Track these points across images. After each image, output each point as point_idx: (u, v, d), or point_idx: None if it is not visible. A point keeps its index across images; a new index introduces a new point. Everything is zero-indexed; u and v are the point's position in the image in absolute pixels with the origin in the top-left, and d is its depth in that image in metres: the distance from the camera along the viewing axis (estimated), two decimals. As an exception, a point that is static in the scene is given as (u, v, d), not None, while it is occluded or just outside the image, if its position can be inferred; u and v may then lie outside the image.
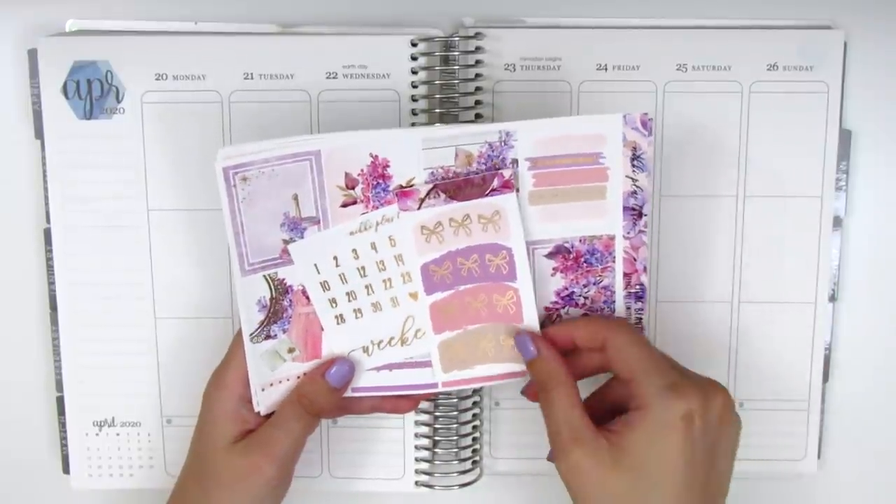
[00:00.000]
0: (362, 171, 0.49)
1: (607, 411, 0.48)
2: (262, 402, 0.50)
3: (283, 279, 0.50)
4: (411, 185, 0.49)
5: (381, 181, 0.49)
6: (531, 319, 0.50)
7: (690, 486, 0.44)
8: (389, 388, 0.51)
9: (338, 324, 0.50)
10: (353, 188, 0.49)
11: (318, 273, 0.49)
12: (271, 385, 0.50)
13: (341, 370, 0.50)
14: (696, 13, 0.55)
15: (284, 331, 0.50)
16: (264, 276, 0.50)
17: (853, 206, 0.57)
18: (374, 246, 0.49)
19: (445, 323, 0.50)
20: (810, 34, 0.54)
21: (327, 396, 0.49)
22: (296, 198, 0.49)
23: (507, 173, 0.48)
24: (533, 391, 0.50)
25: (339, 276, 0.49)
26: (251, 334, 0.50)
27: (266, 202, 0.49)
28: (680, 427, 0.44)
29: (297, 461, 0.51)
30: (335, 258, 0.49)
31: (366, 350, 0.50)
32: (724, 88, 0.55)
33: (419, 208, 0.49)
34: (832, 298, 0.57)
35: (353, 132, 0.49)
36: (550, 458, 0.48)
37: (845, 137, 0.56)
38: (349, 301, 0.50)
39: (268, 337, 0.50)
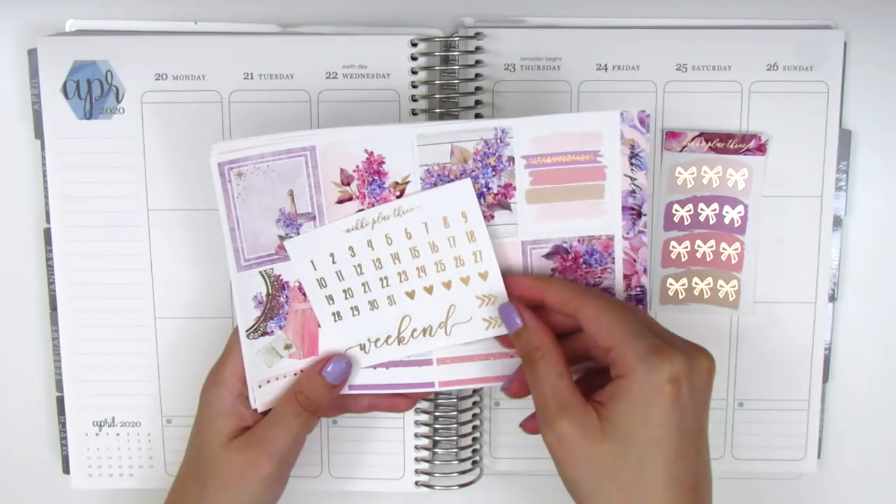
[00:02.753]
0: (357, 167, 0.49)
1: (594, 382, 0.46)
2: (259, 399, 0.50)
3: (280, 275, 0.50)
4: (406, 183, 0.49)
5: (376, 178, 0.49)
6: (496, 283, 0.49)
7: (683, 452, 0.43)
8: (386, 387, 0.51)
9: (335, 321, 0.50)
10: (348, 184, 0.49)
11: (315, 269, 0.49)
12: (268, 382, 0.50)
13: (338, 367, 0.50)
14: (696, 13, 0.55)
15: (281, 327, 0.50)
16: (260, 272, 0.50)
17: (853, 206, 0.57)
18: (370, 244, 0.49)
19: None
20: (810, 34, 0.54)
21: (324, 393, 0.50)
22: (291, 194, 0.49)
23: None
24: (519, 385, 0.49)
25: (336, 273, 0.49)
26: (247, 330, 0.50)
27: (261, 198, 0.49)
28: (667, 391, 0.42)
29: (295, 459, 0.51)
30: (331, 255, 0.49)
31: (363, 348, 0.50)
32: (724, 88, 0.55)
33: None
34: (832, 298, 0.57)
35: (348, 128, 0.49)
36: (530, 429, 0.48)
37: (845, 137, 0.56)
38: (346, 298, 0.50)
39: (264, 333, 0.50)
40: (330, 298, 0.50)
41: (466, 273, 0.49)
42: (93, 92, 0.55)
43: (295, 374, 0.51)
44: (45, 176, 0.56)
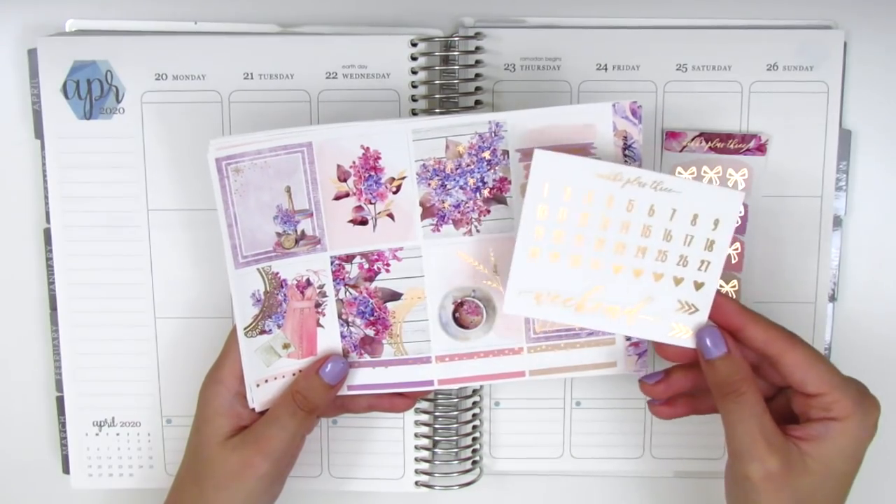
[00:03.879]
0: (354, 163, 0.49)
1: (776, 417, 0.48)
2: (257, 398, 0.50)
3: (277, 273, 0.50)
4: (403, 178, 0.49)
5: (373, 173, 0.49)
6: (706, 300, 0.47)
7: (856, 474, 0.47)
8: (385, 386, 0.51)
9: (529, 256, 0.46)
10: (345, 180, 0.49)
11: (545, 193, 0.46)
12: (266, 381, 0.50)
13: (336, 367, 0.50)
14: (696, 13, 0.55)
15: (279, 325, 0.50)
16: (258, 269, 0.50)
17: (853, 206, 0.57)
18: (610, 200, 0.46)
19: None
20: (810, 34, 0.54)
21: (322, 394, 0.49)
22: (288, 190, 0.49)
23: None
24: (673, 388, 0.50)
25: (561, 209, 0.46)
26: (245, 328, 0.50)
27: (259, 194, 0.49)
28: (872, 433, 0.47)
29: (293, 459, 0.51)
30: (568, 188, 0.46)
31: (538, 297, 0.47)
32: (724, 88, 0.55)
33: None
34: (832, 298, 0.57)
35: (344, 124, 0.49)
36: (667, 414, 0.50)
37: (845, 137, 0.56)
38: (554, 239, 0.46)
39: (262, 332, 0.50)
40: (539, 230, 0.46)
41: (683, 275, 0.47)
42: (93, 92, 0.55)
43: (293, 374, 0.51)
44: (45, 176, 0.56)
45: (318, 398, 0.49)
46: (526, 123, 0.48)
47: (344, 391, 0.51)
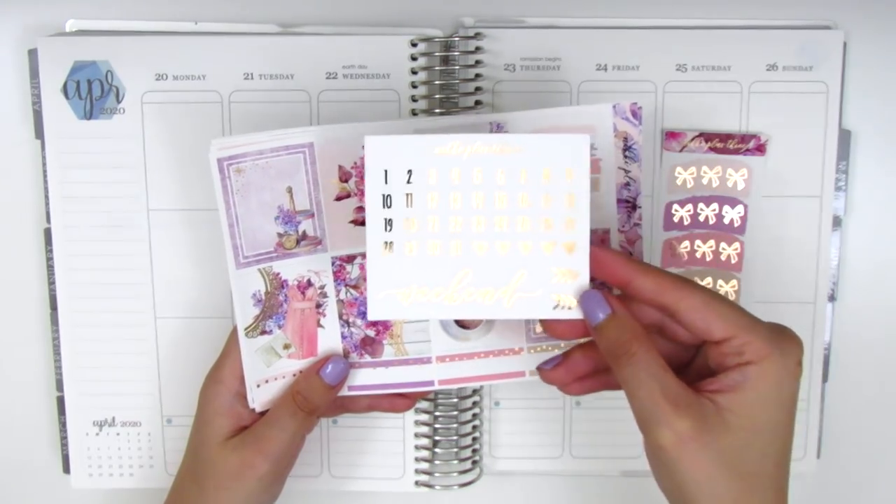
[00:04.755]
0: (356, 163, 0.49)
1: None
2: (257, 398, 0.50)
3: (278, 273, 0.50)
4: None
5: None
6: (582, 261, 0.43)
7: (791, 436, 0.42)
8: (386, 386, 0.51)
9: (384, 251, 0.44)
10: (346, 181, 0.49)
11: (385, 182, 0.43)
12: (266, 382, 0.50)
13: (336, 368, 0.50)
14: (696, 13, 0.55)
15: (280, 326, 0.50)
16: (259, 269, 0.50)
17: (853, 206, 0.57)
18: (457, 174, 0.43)
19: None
20: (810, 34, 0.54)
21: (322, 394, 0.49)
22: (290, 190, 0.49)
23: None
24: (573, 372, 0.46)
25: (406, 195, 0.43)
26: (246, 328, 0.50)
27: (260, 195, 0.49)
28: (797, 372, 0.41)
29: (293, 460, 0.51)
30: (409, 171, 0.43)
31: (405, 295, 0.43)
32: (724, 88, 0.55)
33: None
34: (832, 298, 0.57)
35: (346, 124, 0.49)
36: (557, 379, 0.46)
37: (845, 137, 0.56)
38: (406, 228, 0.43)
39: (263, 332, 0.50)
40: (388, 223, 0.43)
41: (551, 239, 0.43)
42: (93, 92, 0.55)
43: (294, 375, 0.51)
44: (45, 176, 0.56)
45: (319, 399, 0.49)
46: (527, 124, 0.48)
47: (345, 392, 0.51)
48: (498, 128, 0.48)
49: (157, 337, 0.57)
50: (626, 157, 0.49)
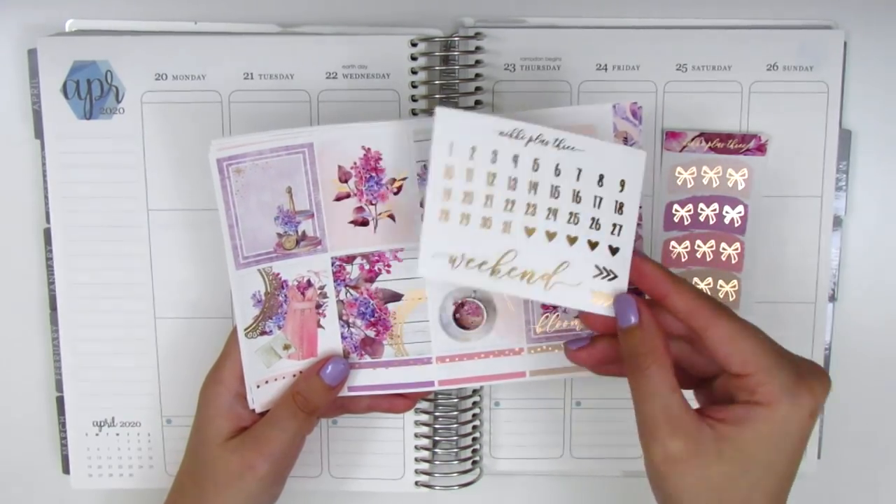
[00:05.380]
0: (355, 164, 0.49)
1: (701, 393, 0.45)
2: (257, 399, 0.50)
3: (278, 273, 0.50)
4: (404, 179, 0.49)
5: (373, 174, 0.49)
6: (622, 266, 0.45)
7: (791, 476, 0.43)
8: (385, 387, 0.51)
9: (439, 219, 0.44)
10: (346, 181, 0.49)
11: (450, 153, 0.43)
12: (266, 382, 0.50)
13: (336, 368, 0.50)
14: (696, 13, 0.55)
15: (280, 327, 0.50)
16: (259, 269, 0.50)
17: (853, 206, 0.57)
18: (515, 159, 0.44)
19: None
20: (810, 34, 0.54)
21: (322, 395, 0.49)
22: (290, 191, 0.49)
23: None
24: (595, 358, 0.47)
25: (467, 170, 0.44)
26: (246, 329, 0.50)
27: (260, 195, 0.49)
28: (807, 423, 0.42)
29: (293, 460, 0.51)
30: (473, 148, 0.44)
31: (452, 260, 0.44)
32: (724, 88, 0.55)
33: None
34: (832, 298, 0.57)
35: (345, 124, 0.49)
36: (582, 359, 0.47)
37: (845, 137, 0.56)
38: (462, 201, 0.44)
39: (263, 332, 0.50)
40: (447, 193, 0.44)
41: (597, 239, 0.45)
42: (93, 92, 0.55)
43: (294, 375, 0.50)
44: (45, 176, 0.56)
45: (319, 399, 0.49)
46: None
47: (344, 392, 0.51)
48: None
49: (157, 337, 0.57)
50: None
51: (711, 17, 0.55)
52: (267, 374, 0.50)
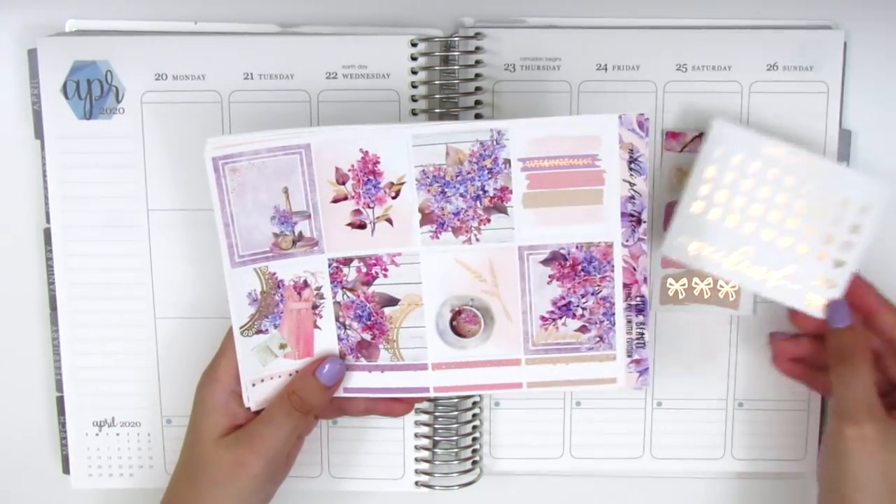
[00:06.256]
0: (353, 166, 0.49)
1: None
2: (252, 397, 0.50)
3: (274, 273, 0.50)
4: (402, 184, 0.49)
5: (371, 177, 0.49)
6: (843, 278, 0.51)
7: None
8: (382, 390, 0.51)
9: (697, 211, 0.51)
10: (343, 183, 0.49)
11: (727, 161, 0.51)
12: (262, 381, 0.50)
13: (333, 369, 0.50)
14: (696, 13, 0.55)
15: (276, 326, 0.50)
16: (254, 269, 0.50)
17: (853, 206, 0.57)
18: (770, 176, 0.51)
19: None
20: (810, 34, 0.54)
21: (318, 395, 0.49)
22: (286, 191, 0.49)
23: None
24: (796, 351, 0.53)
25: (735, 179, 0.51)
26: (241, 328, 0.50)
27: (256, 194, 0.49)
28: None
29: (290, 461, 0.51)
30: (743, 162, 0.51)
31: (698, 248, 0.52)
32: (724, 88, 0.55)
33: None
34: (832, 298, 0.57)
35: (344, 126, 0.48)
36: (783, 356, 0.53)
37: (845, 137, 0.56)
38: (722, 199, 0.51)
39: (259, 331, 0.50)
40: (704, 189, 0.51)
41: (826, 251, 0.51)
42: (93, 92, 0.55)
43: (290, 375, 0.50)
44: (45, 176, 0.56)
45: (314, 399, 0.49)
46: (528, 132, 0.48)
47: (340, 393, 0.51)
48: (499, 135, 0.48)
49: (157, 337, 0.57)
50: (631, 169, 0.48)
51: (711, 17, 0.55)
52: (263, 373, 0.50)
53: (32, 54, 0.55)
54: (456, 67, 0.55)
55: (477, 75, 0.55)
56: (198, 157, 0.55)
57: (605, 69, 0.55)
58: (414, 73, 0.55)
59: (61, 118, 0.55)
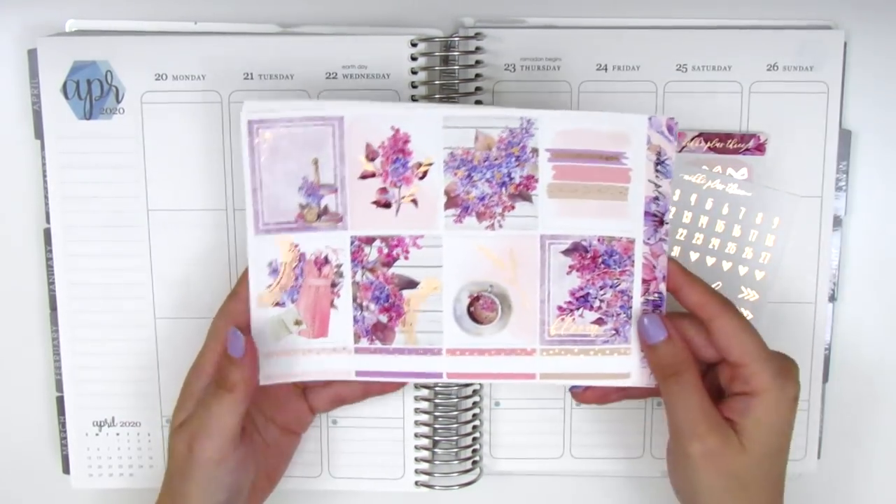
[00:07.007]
0: (383, 143, 0.49)
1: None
2: (263, 369, 0.49)
3: (297, 245, 0.49)
4: (430, 165, 0.49)
5: (400, 156, 0.49)
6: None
7: (785, 460, 0.49)
8: (394, 374, 0.51)
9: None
10: (373, 160, 0.49)
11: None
12: (275, 356, 0.50)
13: (235, 342, 0.48)
14: (696, 13, 0.55)
15: (293, 300, 0.50)
16: (278, 237, 0.49)
17: (853, 206, 0.57)
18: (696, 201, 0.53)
19: None
20: (810, 34, 0.54)
21: (232, 370, 0.47)
22: (316, 162, 0.49)
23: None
24: (599, 394, 0.52)
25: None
26: (259, 296, 0.49)
27: (286, 163, 0.48)
28: (792, 407, 0.48)
29: (255, 446, 0.51)
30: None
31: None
32: (724, 88, 0.55)
33: None
34: (832, 298, 0.57)
35: (377, 102, 0.49)
36: (588, 399, 0.52)
37: (845, 137, 0.56)
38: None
39: (277, 304, 0.50)
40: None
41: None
42: (93, 92, 0.55)
43: (303, 353, 0.50)
44: (45, 176, 0.56)
45: (233, 376, 0.47)
46: (558, 124, 0.48)
47: (352, 377, 0.50)
48: (528, 123, 0.48)
49: (157, 337, 0.57)
50: (657, 171, 0.48)
51: (711, 17, 0.55)
52: (275, 348, 0.50)
53: (32, 54, 0.55)
54: (456, 67, 0.55)
55: (477, 75, 0.55)
56: (198, 156, 0.55)
57: (605, 69, 0.55)
58: (414, 73, 0.55)
59: (61, 118, 0.55)
